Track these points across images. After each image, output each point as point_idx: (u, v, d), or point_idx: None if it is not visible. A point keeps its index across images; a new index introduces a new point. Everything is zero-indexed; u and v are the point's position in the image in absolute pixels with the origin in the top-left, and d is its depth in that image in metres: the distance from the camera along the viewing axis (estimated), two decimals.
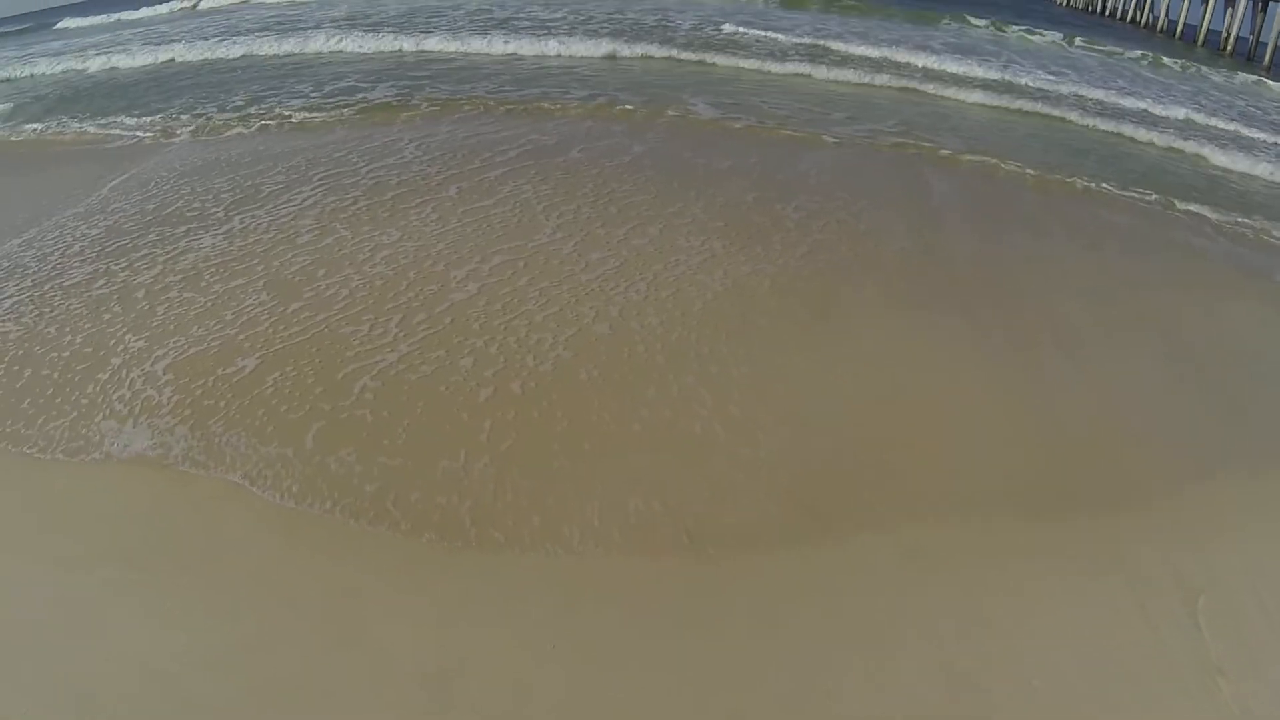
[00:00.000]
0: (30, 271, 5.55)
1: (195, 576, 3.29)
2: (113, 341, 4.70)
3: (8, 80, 13.93)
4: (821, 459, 4.00)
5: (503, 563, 3.35)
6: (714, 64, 12.84)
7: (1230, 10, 30.21)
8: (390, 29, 14.72)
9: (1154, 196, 8.37)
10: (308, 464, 3.78)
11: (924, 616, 3.22)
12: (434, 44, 13.73)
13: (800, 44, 15.01)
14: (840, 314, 5.29)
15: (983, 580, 3.42)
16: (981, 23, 20.73)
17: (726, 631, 3.11)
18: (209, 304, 5.05)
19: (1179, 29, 35.20)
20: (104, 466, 3.81)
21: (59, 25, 24.44)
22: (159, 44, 15.41)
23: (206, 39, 15.36)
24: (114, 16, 24.14)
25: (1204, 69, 18.63)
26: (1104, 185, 8.51)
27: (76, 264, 5.62)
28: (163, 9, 24.30)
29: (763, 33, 15.56)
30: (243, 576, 3.29)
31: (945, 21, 20.40)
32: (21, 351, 4.65)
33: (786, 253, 5.98)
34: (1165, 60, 19.12)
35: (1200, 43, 32.00)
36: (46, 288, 5.32)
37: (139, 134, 9.11)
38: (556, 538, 3.45)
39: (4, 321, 4.98)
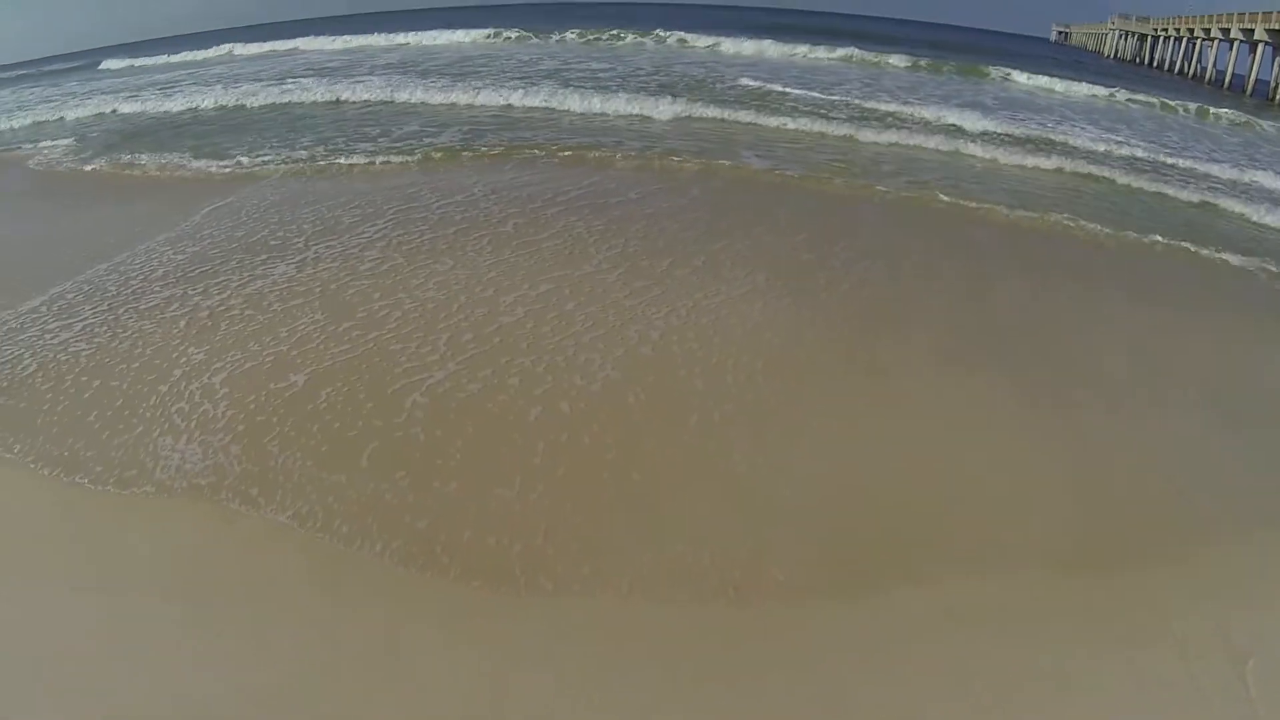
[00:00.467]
0: (110, 294, 5.84)
1: (241, 613, 3.30)
2: (175, 355, 4.93)
3: (90, 116, 14.70)
4: (863, 509, 3.97)
5: (550, 607, 3.34)
6: (763, 123, 13.00)
7: (1278, 60, 30.13)
8: (442, 79, 15.38)
9: (1202, 251, 8.30)
10: (360, 493, 3.83)
11: (961, 675, 3.14)
12: (486, 97, 14.16)
13: (849, 102, 15.17)
14: (882, 359, 5.30)
15: (1023, 638, 3.33)
16: (1027, 79, 20.87)
17: (767, 682, 3.06)
18: (267, 321, 5.29)
19: (1227, 79, 35.16)
20: (154, 499, 3.87)
21: (102, 65, 25.84)
22: (211, 86, 16.32)
23: (262, 82, 16.21)
24: (157, 59, 25.62)
25: (1255, 119, 18.47)
26: (1153, 237, 8.51)
27: (157, 288, 5.92)
28: (203, 54, 25.84)
29: (808, 91, 15.71)
30: (287, 615, 3.30)
31: (994, 77, 20.62)
32: (86, 375, 4.81)
33: (830, 290, 6.10)
34: (1213, 110, 19.02)
35: (1249, 92, 31.86)
36: (122, 310, 5.59)
37: (224, 169, 9.70)
38: (606, 585, 3.43)
39: (77, 341, 5.21)
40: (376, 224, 7.13)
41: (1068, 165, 11.59)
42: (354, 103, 14.20)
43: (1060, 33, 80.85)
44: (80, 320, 5.46)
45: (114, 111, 14.76)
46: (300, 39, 27.39)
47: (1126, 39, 53.65)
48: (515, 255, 6.30)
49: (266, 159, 9.99)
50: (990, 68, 21.79)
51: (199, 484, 3.91)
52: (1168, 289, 7.30)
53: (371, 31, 27.63)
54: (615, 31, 25.79)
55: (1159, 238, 8.44)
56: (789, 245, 6.94)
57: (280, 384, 4.61)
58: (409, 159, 9.89)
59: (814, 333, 5.46)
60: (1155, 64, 46.55)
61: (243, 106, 14.42)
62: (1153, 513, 4.10)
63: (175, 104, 14.76)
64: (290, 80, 16.04)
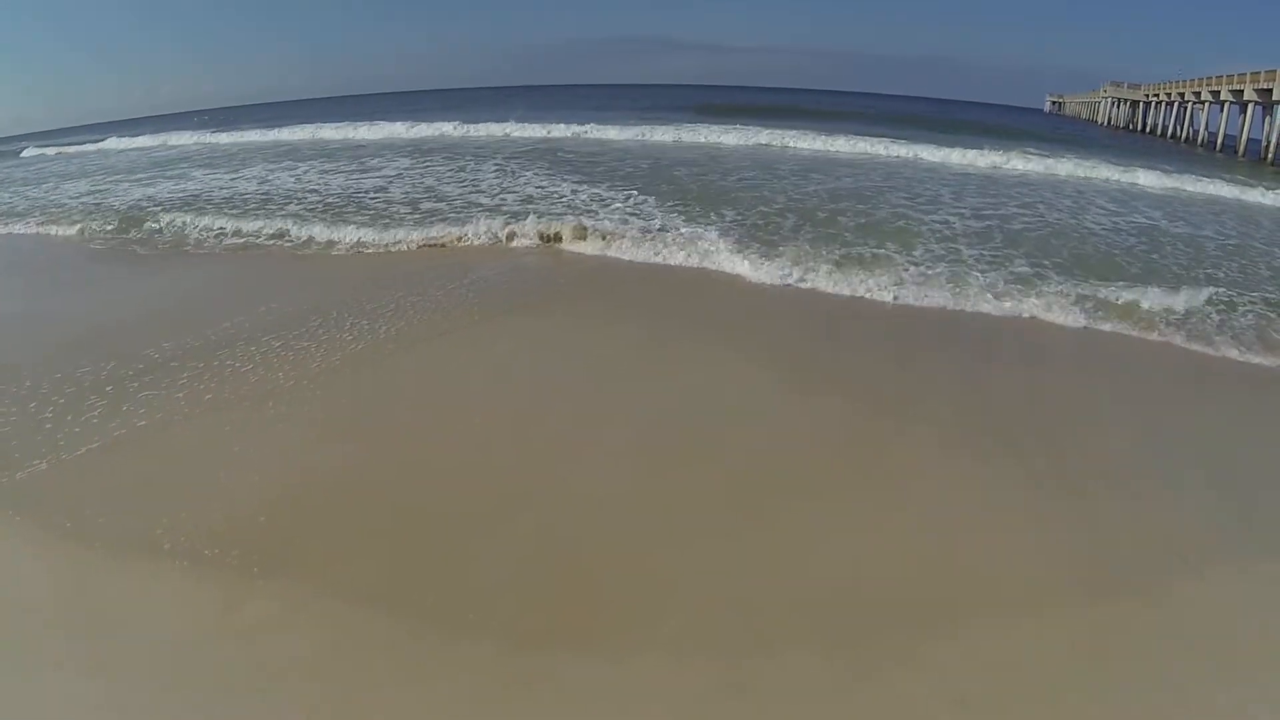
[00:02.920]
0: None
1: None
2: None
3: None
4: (869, 599, 3.94)
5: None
6: None
7: (1269, 119, 30.66)
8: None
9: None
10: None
11: None
12: None
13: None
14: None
15: None
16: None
17: None
18: None
19: (1219, 141, 35.67)
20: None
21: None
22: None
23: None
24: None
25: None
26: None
27: None
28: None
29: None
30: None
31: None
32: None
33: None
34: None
35: (1241, 153, 32.37)
36: None
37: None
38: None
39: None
40: None
41: None
42: None
43: (1054, 103, 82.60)
44: None
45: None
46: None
47: (1119, 106, 54.75)
48: None
49: None
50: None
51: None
52: (1167, 370, 7.31)
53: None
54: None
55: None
56: None
57: None
58: None
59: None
60: (1148, 129, 47.40)
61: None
62: (1165, 601, 3.99)
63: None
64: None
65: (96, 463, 5.17)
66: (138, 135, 37.62)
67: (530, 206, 13.00)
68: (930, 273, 9.11)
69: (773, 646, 3.61)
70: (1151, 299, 8.23)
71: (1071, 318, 8.04)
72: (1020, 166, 20.14)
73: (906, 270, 9.13)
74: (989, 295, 8.45)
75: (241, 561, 4.13)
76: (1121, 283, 8.85)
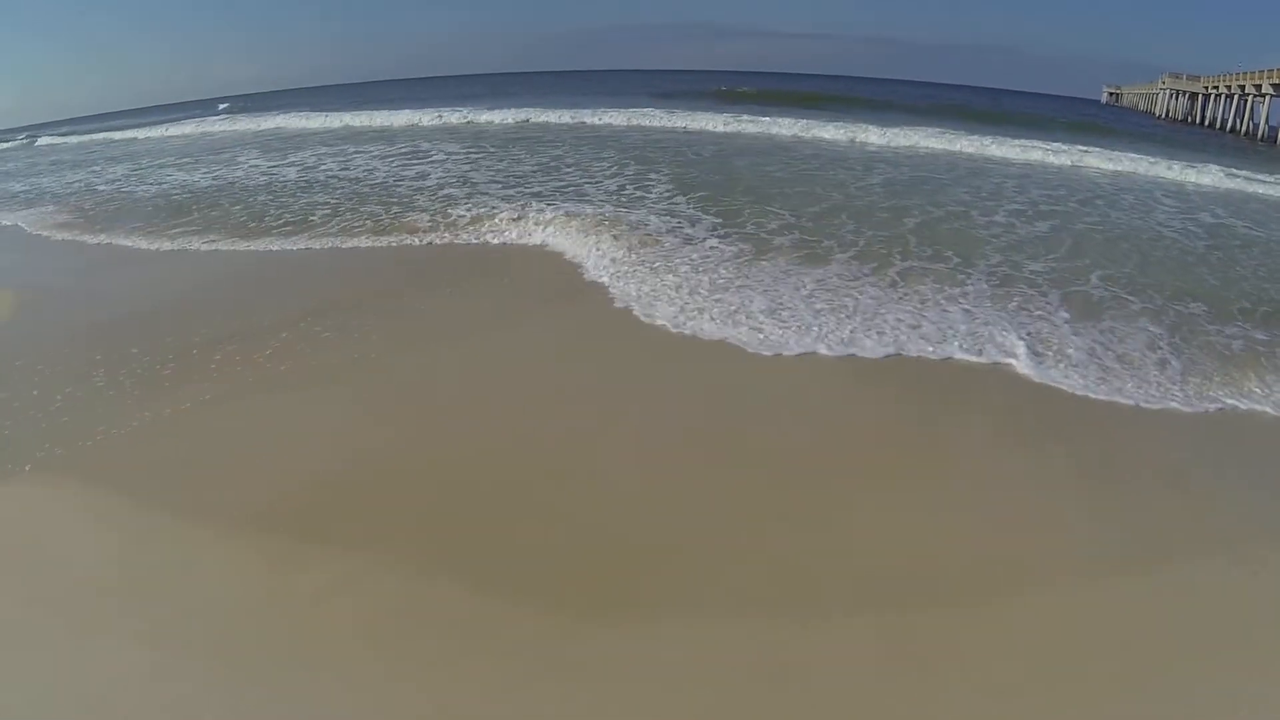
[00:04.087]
0: None
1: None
2: None
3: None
4: (913, 581, 3.99)
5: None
6: None
7: None
8: None
9: None
10: None
11: None
12: None
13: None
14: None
15: None
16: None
17: None
18: None
19: None
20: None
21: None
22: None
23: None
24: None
25: None
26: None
27: None
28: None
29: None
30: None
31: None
32: None
33: None
34: None
35: None
36: None
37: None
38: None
39: None
40: None
41: None
42: None
43: (1111, 94, 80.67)
44: None
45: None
46: None
47: (1177, 98, 53.34)
48: None
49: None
50: None
51: None
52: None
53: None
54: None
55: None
56: None
57: None
58: None
59: None
60: (1206, 122, 46.12)
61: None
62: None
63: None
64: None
65: (153, 436, 5.46)
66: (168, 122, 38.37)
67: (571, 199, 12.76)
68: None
69: (814, 623, 3.71)
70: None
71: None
72: (1096, 164, 19.47)
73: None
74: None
75: (293, 533, 4.31)
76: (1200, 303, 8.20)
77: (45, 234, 13.37)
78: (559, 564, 4.06)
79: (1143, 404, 5.98)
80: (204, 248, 11.19)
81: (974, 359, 6.65)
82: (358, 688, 3.30)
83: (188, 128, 38.01)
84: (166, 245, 11.47)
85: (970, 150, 20.87)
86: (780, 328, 7.10)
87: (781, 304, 7.68)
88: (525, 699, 3.27)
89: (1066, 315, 7.69)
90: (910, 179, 15.96)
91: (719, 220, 11.19)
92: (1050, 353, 6.75)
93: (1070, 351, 6.79)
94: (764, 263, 9.11)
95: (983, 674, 3.45)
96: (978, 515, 4.62)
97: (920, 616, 3.76)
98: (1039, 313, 7.73)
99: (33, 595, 3.96)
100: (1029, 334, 7.12)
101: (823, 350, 6.69)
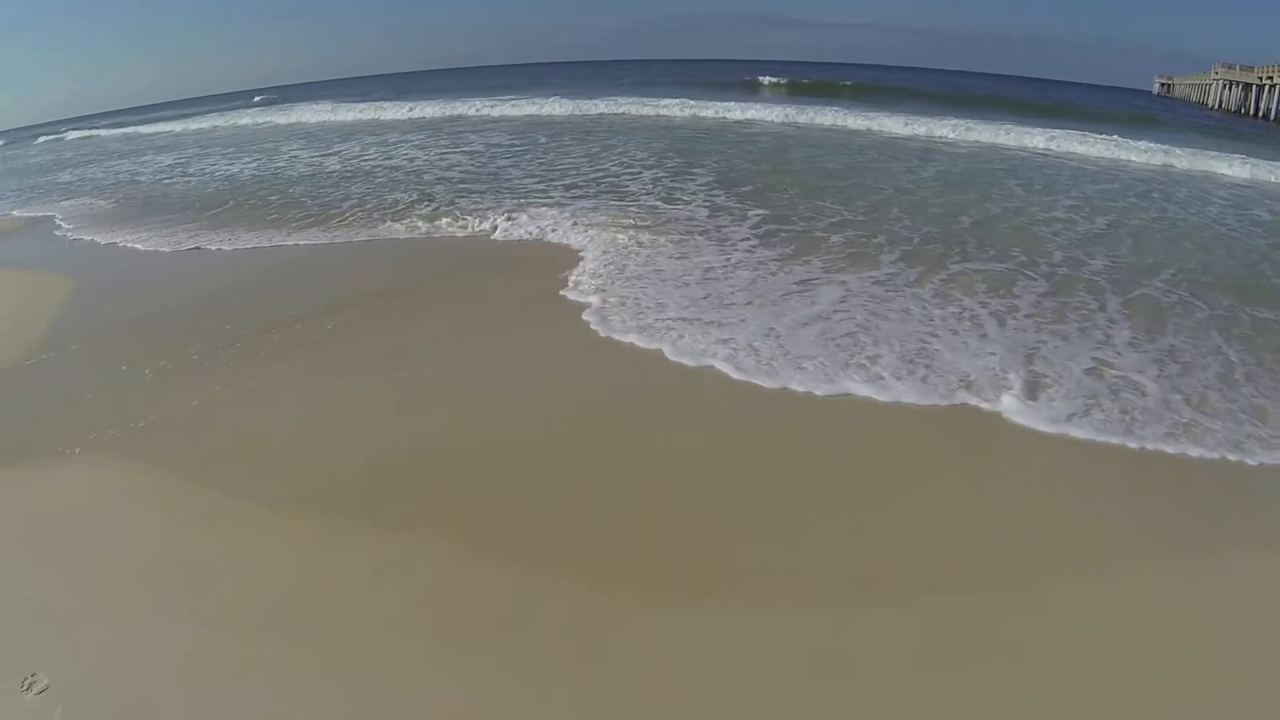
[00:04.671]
0: None
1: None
2: None
3: None
4: (958, 572, 3.95)
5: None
6: None
7: None
8: None
9: None
10: None
11: None
12: None
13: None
14: None
15: None
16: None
17: None
18: None
19: None
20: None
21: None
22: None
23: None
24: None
25: None
26: None
27: None
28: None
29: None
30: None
31: None
32: None
33: None
34: None
35: None
36: None
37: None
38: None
39: None
40: None
41: None
42: None
43: (1163, 85, 78.73)
44: None
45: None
46: None
47: (1231, 89, 51.88)
48: None
49: None
50: None
51: None
52: None
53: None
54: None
55: None
56: None
57: None
58: None
59: None
60: (1261, 114, 44.87)
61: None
62: None
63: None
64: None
65: (202, 420, 5.61)
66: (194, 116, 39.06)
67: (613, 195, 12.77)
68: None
69: (860, 609, 3.69)
70: None
71: None
72: (1148, 158, 18.93)
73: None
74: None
75: (343, 516, 4.35)
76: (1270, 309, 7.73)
77: (97, 223, 13.66)
78: (607, 549, 4.08)
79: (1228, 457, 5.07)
80: (248, 237, 11.36)
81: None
82: (405, 671, 3.32)
83: (228, 119, 38.63)
84: (210, 235, 11.66)
85: (1016, 143, 20.46)
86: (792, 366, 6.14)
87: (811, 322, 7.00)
88: (572, 683, 3.26)
89: (1130, 334, 6.95)
90: (965, 171, 15.70)
91: (761, 213, 11.08)
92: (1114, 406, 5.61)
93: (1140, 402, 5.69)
94: (796, 267, 8.64)
95: (1033, 665, 3.39)
96: (1027, 501, 4.58)
97: (967, 604, 3.72)
98: (1097, 332, 6.99)
99: (83, 575, 4.02)
100: (1092, 363, 6.29)
101: (820, 391, 5.76)
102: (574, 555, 4.03)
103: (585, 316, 7.16)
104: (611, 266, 8.70)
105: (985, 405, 5.59)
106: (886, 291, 7.88)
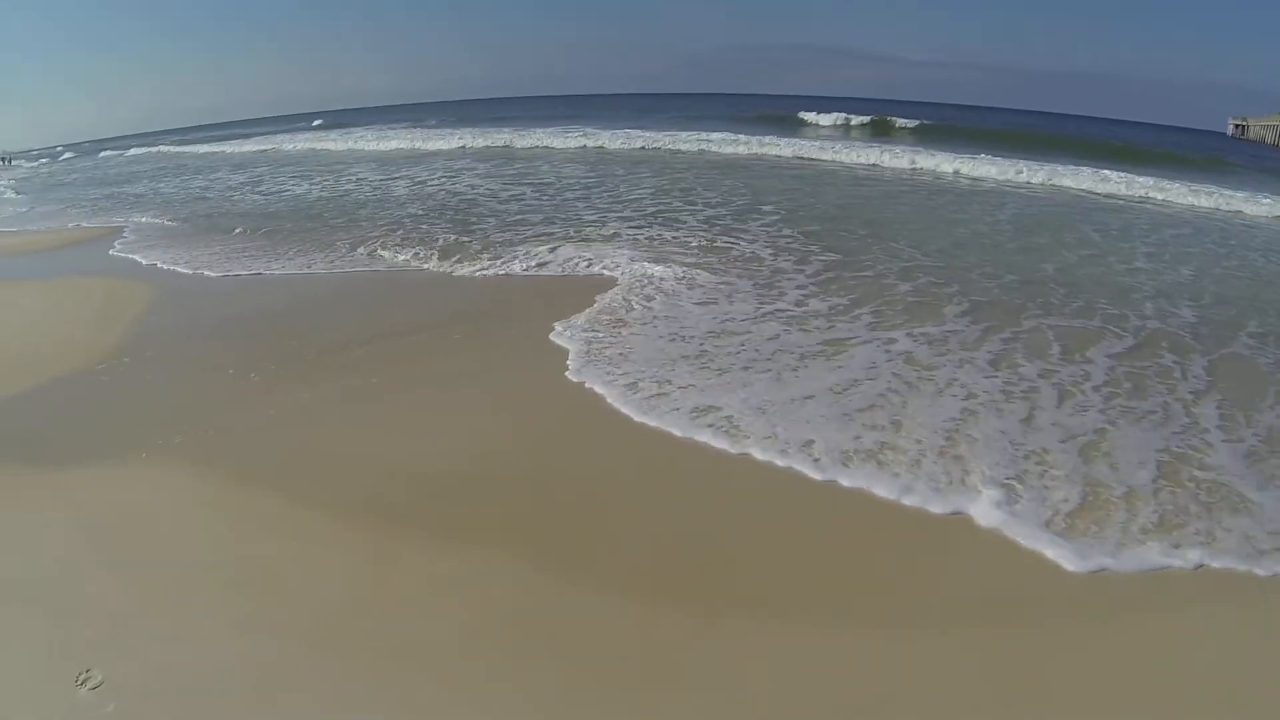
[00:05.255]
0: None
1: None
2: None
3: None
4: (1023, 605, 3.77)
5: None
6: None
7: None
8: None
9: None
10: None
11: None
12: None
13: None
14: None
15: None
16: None
17: None
18: None
19: None
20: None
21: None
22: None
23: None
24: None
25: None
26: None
27: None
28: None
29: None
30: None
31: None
32: None
33: None
34: None
35: None
36: None
37: None
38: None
39: None
40: None
41: None
42: None
43: (1237, 126, 76.65)
44: None
45: None
46: None
47: None
48: None
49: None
50: None
51: None
52: None
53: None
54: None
55: None
56: None
57: None
58: None
59: None
60: None
61: None
62: None
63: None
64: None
65: (266, 430, 5.72)
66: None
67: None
68: None
69: (913, 638, 3.59)
70: None
71: None
72: (1222, 203, 18.27)
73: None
74: None
75: (399, 531, 4.34)
76: None
77: (168, 236, 14.12)
78: (666, 571, 4.02)
79: None
80: (313, 259, 11.56)
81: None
82: (458, 688, 3.27)
83: (289, 141, 40.10)
84: (275, 256, 11.90)
85: (1087, 186, 19.95)
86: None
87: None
88: (630, 706, 3.19)
89: (1217, 411, 5.91)
90: (1038, 215, 15.32)
91: (828, 257, 10.53)
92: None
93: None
94: (840, 321, 7.79)
95: (1102, 698, 3.22)
96: None
97: (1030, 636, 3.58)
98: (1178, 406, 5.96)
99: (143, 575, 4.06)
100: (1168, 458, 5.10)
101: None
102: (632, 576, 3.98)
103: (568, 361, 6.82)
104: (623, 308, 8.33)
105: (1020, 540, 4.23)
106: (934, 354, 6.87)
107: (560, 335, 7.47)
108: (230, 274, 10.78)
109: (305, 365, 6.97)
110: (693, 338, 7.31)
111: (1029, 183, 20.38)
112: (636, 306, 8.28)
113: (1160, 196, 18.96)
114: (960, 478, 4.79)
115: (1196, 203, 18.48)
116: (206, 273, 10.85)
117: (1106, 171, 20.82)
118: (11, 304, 10.17)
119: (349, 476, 5.01)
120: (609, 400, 5.99)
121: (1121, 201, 18.26)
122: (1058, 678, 3.33)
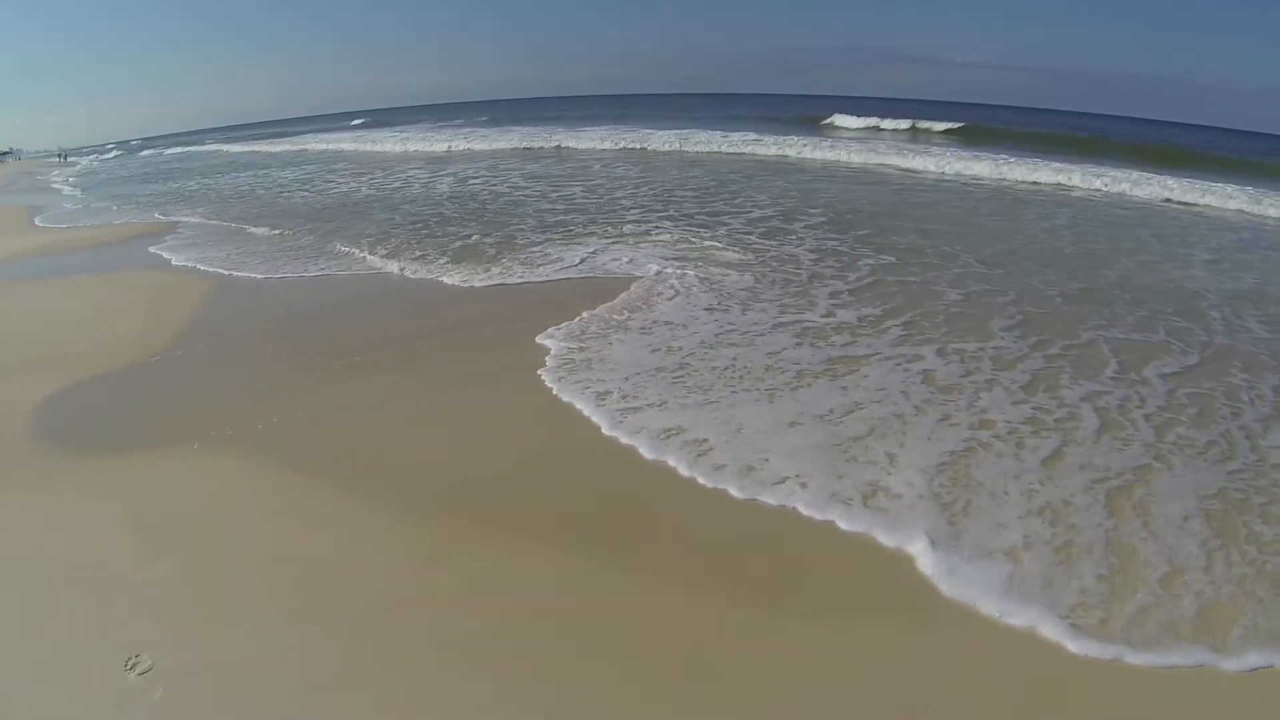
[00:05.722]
0: None
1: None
2: None
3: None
4: None
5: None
6: None
7: None
8: None
9: None
10: None
11: None
12: None
13: None
14: None
15: None
16: None
17: None
18: None
19: None
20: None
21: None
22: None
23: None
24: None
25: None
26: None
27: None
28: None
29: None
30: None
31: None
32: None
33: None
34: None
35: None
36: None
37: None
38: None
39: None
40: None
41: None
42: None
43: None
44: None
45: None
46: None
47: None
48: None
49: None
50: None
51: None
52: None
53: None
54: None
55: None
56: None
57: None
58: None
59: None
60: None
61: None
62: None
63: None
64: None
65: (317, 424, 5.80)
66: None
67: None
68: None
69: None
70: None
71: None
72: None
73: None
74: None
75: (448, 526, 4.36)
76: None
77: (219, 235, 14.40)
78: (715, 566, 3.99)
79: None
80: (361, 259, 11.66)
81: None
82: (503, 683, 3.27)
83: (334, 141, 40.76)
84: (321, 254, 12.07)
85: (1143, 192, 19.28)
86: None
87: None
88: (681, 704, 3.16)
89: None
90: (1095, 220, 14.92)
91: (876, 261, 10.25)
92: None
93: None
94: (864, 335, 7.23)
95: None
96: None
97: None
98: (1242, 438, 5.27)
99: (193, 563, 4.11)
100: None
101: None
102: (682, 572, 3.94)
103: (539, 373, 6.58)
104: (626, 313, 8.13)
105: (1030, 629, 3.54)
106: (959, 374, 6.20)
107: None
108: (274, 275, 10.87)
109: (345, 363, 7.00)
110: (681, 349, 6.93)
111: (1081, 185, 19.84)
112: (636, 314, 8.12)
113: (1216, 203, 18.34)
114: (951, 537, 4.12)
115: (1250, 209, 17.84)
116: (252, 274, 10.96)
117: (1164, 176, 20.21)
118: (68, 297, 10.39)
119: (397, 472, 5.02)
120: (652, 406, 5.91)
121: (1177, 206, 17.76)
122: None
